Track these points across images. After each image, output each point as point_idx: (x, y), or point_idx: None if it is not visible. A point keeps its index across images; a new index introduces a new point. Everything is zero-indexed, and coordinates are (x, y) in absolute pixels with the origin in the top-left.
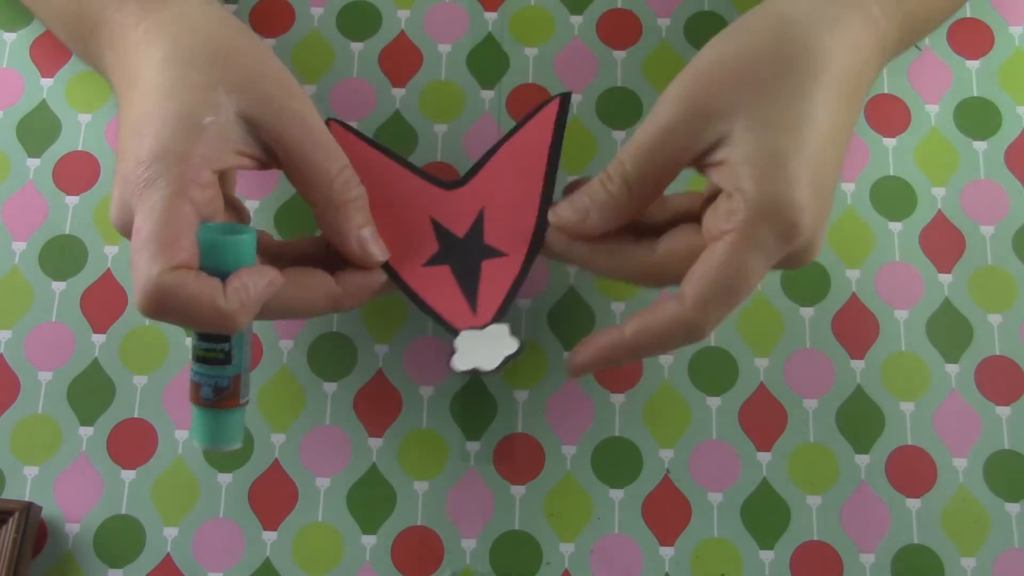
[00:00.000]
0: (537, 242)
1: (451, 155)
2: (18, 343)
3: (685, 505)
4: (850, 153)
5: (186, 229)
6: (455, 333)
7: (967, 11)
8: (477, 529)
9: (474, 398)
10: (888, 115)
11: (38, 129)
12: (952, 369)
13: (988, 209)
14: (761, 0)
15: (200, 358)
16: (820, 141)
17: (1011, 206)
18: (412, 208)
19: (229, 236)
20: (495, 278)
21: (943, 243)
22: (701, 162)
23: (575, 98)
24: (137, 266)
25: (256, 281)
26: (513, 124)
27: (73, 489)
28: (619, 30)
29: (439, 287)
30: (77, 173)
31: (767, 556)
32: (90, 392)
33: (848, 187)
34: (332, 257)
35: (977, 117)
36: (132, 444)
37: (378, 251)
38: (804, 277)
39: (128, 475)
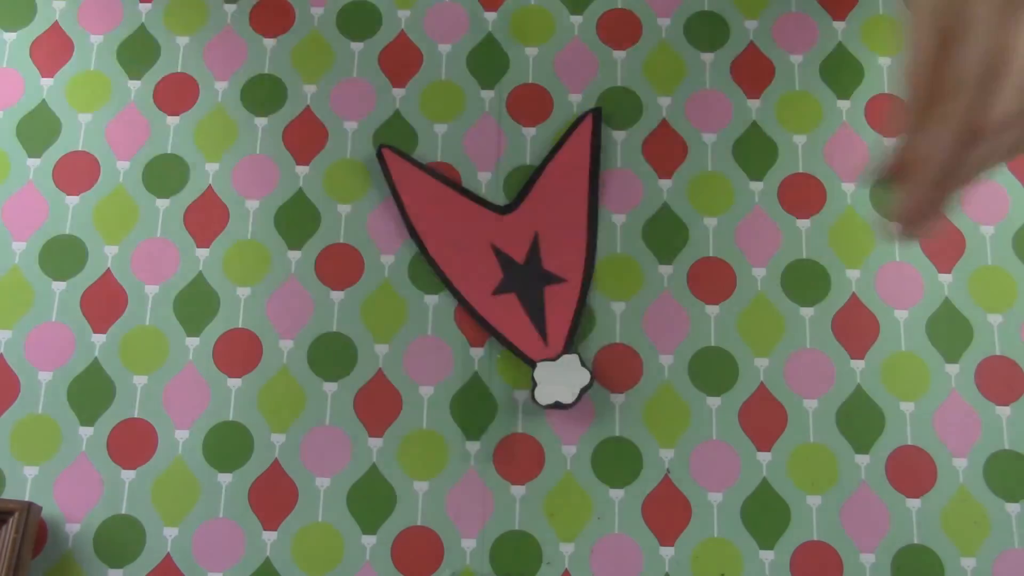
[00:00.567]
0: (589, 267)
1: (451, 155)
2: (18, 343)
3: (685, 505)
4: (846, 151)
5: None
6: (532, 365)
7: None
8: (477, 529)
9: (474, 398)
10: (884, 114)
11: (38, 129)
12: (952, 369)
13: (988, 209)
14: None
15: None
16: None
17: (1011, 206)
18: (473, 235)
19: None
20: (558, 305)
21: (943, 243)
22: None
23: (575, 98)
24: None
25: None
26: (513, 124)
27: (73, 489)
28: (619, 30)
29: (510, 317)
30: (77, 173)
31: (767, 556)
32: (90, 392)
33: (848, 187)
34: None
35: None
36: (132, 444)
37: None
38: (804, 277)
39: (128, 475)
